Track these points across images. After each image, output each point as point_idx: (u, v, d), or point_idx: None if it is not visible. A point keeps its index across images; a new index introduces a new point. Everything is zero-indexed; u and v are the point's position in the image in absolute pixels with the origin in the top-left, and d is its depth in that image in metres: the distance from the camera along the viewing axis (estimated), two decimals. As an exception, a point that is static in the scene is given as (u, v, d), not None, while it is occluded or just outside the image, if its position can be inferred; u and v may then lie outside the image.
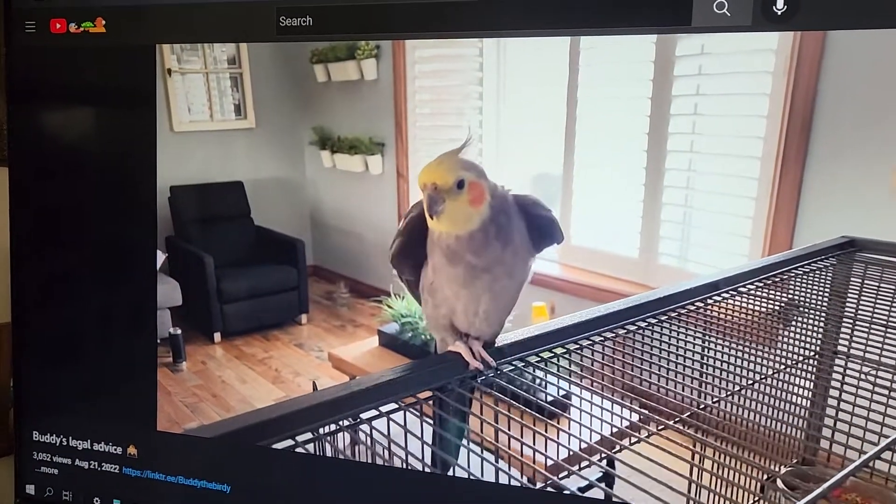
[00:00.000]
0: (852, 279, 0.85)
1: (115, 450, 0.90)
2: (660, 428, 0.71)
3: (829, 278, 0.87)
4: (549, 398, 0.77)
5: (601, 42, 1.13)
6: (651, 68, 1.13)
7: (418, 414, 0.75)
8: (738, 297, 0.86)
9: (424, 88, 1.46)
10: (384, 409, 0.73)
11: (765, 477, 0.71)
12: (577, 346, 0.80)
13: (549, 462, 0.73)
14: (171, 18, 0.84)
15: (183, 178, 1.29)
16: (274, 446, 0.75)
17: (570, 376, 0.81)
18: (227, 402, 1.26)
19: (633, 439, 0.70)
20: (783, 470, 0.73)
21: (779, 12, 0.64)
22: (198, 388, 1.23)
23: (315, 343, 1.44)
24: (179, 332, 1.28)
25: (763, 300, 0.87)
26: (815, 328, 0.83)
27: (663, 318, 0.83)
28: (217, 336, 1.38)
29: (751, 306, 0.86)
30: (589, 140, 1.26)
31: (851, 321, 0.81)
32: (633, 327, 0.82)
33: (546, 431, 0.73)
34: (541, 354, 0.79)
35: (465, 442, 0.78)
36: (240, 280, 1.44)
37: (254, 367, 1.37)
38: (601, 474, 0.72)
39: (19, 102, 0.91)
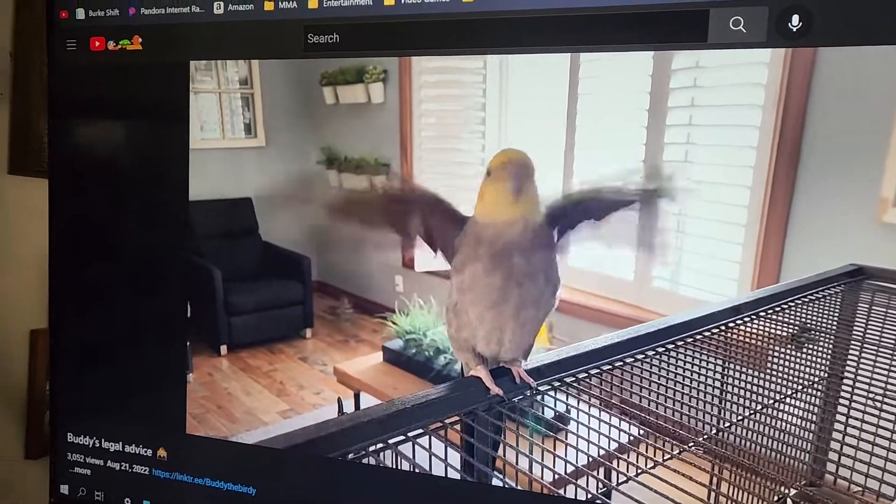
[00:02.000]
0: (860, 305, 0.87)
1: (146, 452, 0.91)
2: (689, 447, 0.72)
3: (838, 304, 0.90)
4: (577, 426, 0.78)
5: (599, 74, 1.17)
6: (647, 99, 1.16)
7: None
8: (755, 323, 0.88)
9: (430, 112, 1.48)
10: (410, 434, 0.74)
11: (775, 499, 0.73)
12: (598, 371, 0.82)
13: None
14: (203, 36, 0.86)
15: (194, 193, 1.30)
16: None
17: (599, 400, 0.81)
18: (232, 414, 1.27)
19: (651, 464, 0.71)
20: (791, 492, 0.75)
21: (794, 29, 0.66)
22: (204, 399, 1.24)
23: (319, 357, 1.45)
24: (188, 343, 1.28)
25: (777, 326, 0.89)
26: (824, 353, 0.86)
27: (679, 343, 0.85)
28: (224, 349, 1.38)
29: (765, 332, 0.87)
30: (587, 164, 1.28)
31: (859, 346, 0.83)
32: (651, 353, 0.84)
33: (557, 451, 0.75)
34: (576, 375, 0.80)
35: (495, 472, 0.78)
36: (247, 294, 1.45)
37: (259, 380, 1.37)
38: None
39: (59, 117, 0.92)
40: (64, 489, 0.95)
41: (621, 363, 0.83)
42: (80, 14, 0.90)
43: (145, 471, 0.92)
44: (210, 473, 0.89)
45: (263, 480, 0.86)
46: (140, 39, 0.88)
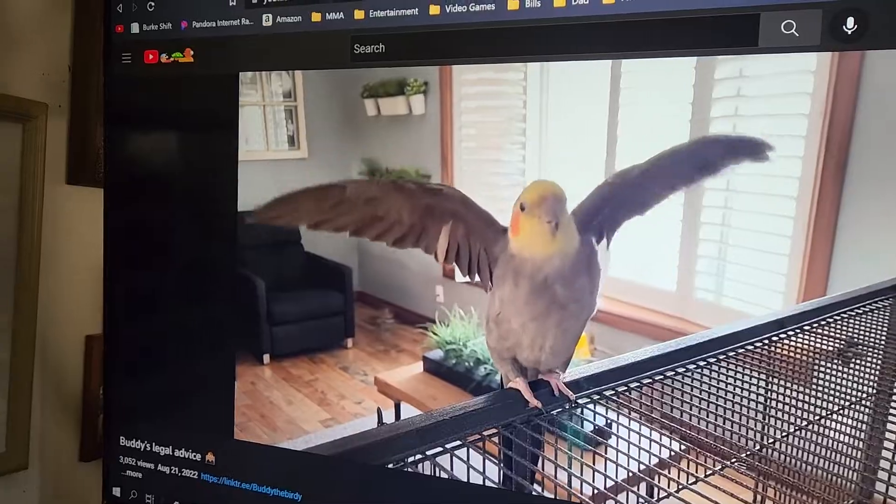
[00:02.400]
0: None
1: (195, 456, 0.93)
2: (731, 463, 0.71)
3: (887, 318, 0.88)
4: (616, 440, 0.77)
5: (640, 85, 1.16)
6: (689, 110, 1.15)
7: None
8: (800, 337, 0.87)
9: (470, 123, 1.49)
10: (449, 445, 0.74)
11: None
12: (638, 385, 0.81)
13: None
14: (253, 48, 0.89)
15: (239, 204, 1.33)
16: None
17: (638, 414, 0.80)
18: (273, 422, 1.28)
19: (692, 480, 0.70)
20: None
21: (848, 31, 0.65)
22: (246, 407, 1.25)
23: (360, 367, 1.45)
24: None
25: (823, 340, 0.86)
26: (873, 369, 0.83)
27: (721, 357, 0.84)
28: (266, 358, 1.40)
29: (811, 347, 0.86)
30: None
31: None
32: (693, 367, 0.83)
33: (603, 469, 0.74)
34: (616, 388, 0.79)
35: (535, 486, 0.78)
36: (289, 304, 1.46)
37: (300, 389, 1.38)
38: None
39: (115, 128, 0.96)
40: (116, 491, 0.97)
41: (662, 377, 0.82)
42: (135, 28, 0.93)
43: (194, 475, 0.94)
44: (257, 478, 0.90)
45: (308, 487, 0.87)
46: (192, 52, 0.91)
